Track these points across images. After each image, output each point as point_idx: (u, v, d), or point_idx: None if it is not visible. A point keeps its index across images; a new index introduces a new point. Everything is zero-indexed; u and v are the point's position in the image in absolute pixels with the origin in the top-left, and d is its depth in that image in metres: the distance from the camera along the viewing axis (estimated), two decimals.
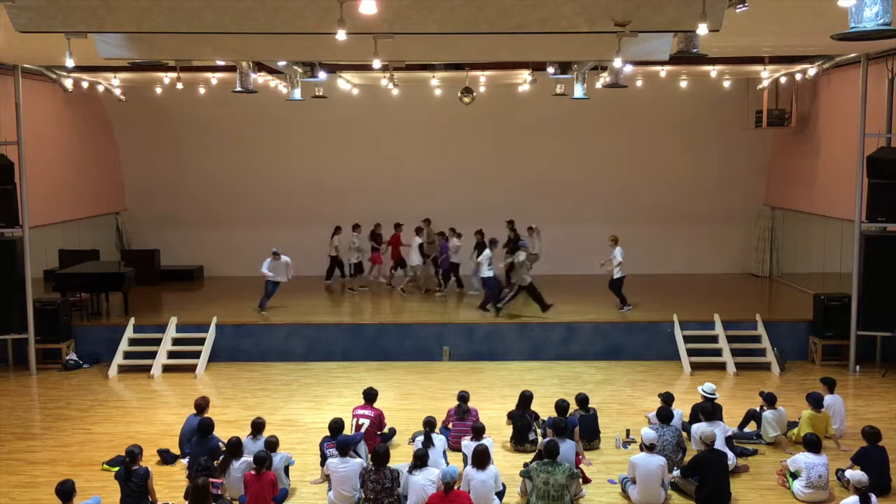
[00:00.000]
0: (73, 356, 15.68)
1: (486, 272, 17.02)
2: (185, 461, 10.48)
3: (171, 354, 15.65)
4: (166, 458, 10.79)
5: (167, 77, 16.92)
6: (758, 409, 11.55)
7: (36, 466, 10.74)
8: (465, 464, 9.40)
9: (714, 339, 15.73)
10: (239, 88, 14.53)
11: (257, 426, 10.24)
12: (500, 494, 9.23)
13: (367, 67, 15.11)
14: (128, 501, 8.86)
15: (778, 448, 11.12)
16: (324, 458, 9.88)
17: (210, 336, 15.84)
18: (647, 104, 20.19)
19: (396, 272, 20.07)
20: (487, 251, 17.32)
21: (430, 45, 11.97)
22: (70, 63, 10.55)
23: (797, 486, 9.57)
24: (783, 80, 18.01)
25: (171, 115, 21.08)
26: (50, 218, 17.89)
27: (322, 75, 15.82)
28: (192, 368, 15.24)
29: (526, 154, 21.38)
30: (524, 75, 17.34)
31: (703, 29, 8.06)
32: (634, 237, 21.16)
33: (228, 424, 11.85)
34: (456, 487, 8.55)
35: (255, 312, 17.05)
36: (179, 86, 16.86)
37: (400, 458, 10.30)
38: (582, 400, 11.20)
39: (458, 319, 16.50)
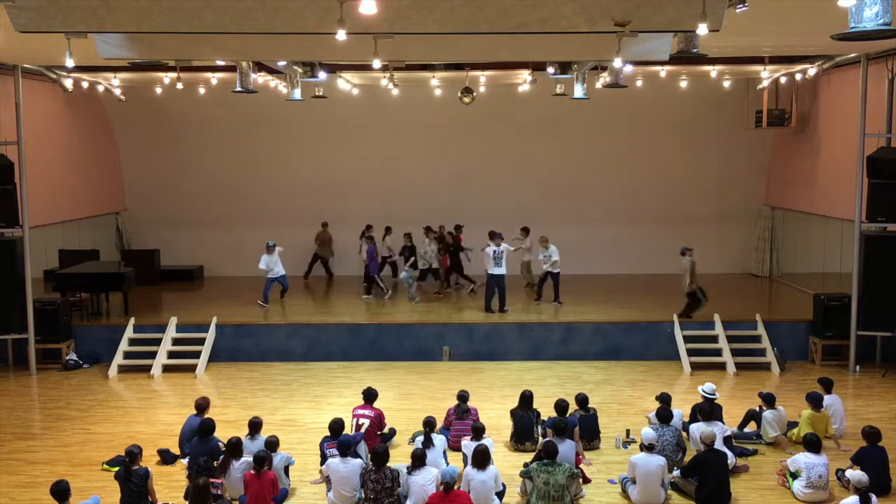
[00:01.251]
0: (73, 356, 15.68)
1: (494, 269, 16.77)
2: (185, 461, 10.48)
3: (171, 354, 15.65)
4: (166, 458, 10.78)
5: (167, 77, 16.92)
6: (757, 409, 11.55)
7: (36, 466, 10.74)
8: (465, 464, 9.40)
9: (714, 339, 15.73)
10: (239, 88, 14.53)
11: (254, 425, 10.23)
12: (500, 494, 9.23)
13: (367, 67, 15.10)
14: (128, 501, 8.85)
15: (778, 448, 11.12)
16: (324, 458, 9.89)
17: (210, 336, 15.84)
18: (647, 104, 20.18)
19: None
20: (498, 246, 17.15)
21: (430, 45, 11.97)
22: (70, 63, 10.55)
23: (797, 486, 9.57)
24: (783, 80, 18.01)
25: (171, 115, 21.08)
26: (50, 218, 17.90)
27: (322, 75, 15.82)
28: (192, 368, 15.24)
29: (526, 154, 21.38)
30: (524, 75, 17.33)
31: (703, 29, 8.06)
32: (635, 237, 21.22)
33: (228, 424, 11.85)
34: (456, 487, 8.55)
35: (254, 312, 17.08)
36: (179, 86, 16.87)
37: (400, 458, 10.30)
38: (582, 400, 11.20)
39: (458, 319, 16.49)
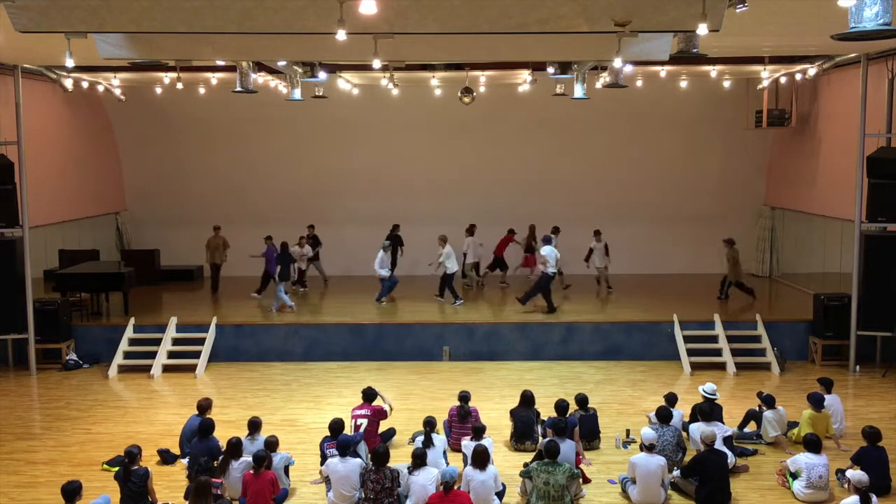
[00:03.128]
0: (73, 356, 15.68)
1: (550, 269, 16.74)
2: (185, 461, 10.48)
3: (171, 354, 15.65)
4: (166, 458, 10.78)
5: (167, 77, 16.92)
6: (757, 409, 11.55)
7: (36, 466, 10.74)
8: (465, 464, 9.40)
9: (714, 339, 15.73)
10: (239, 88, 14.53)
11: (253, 425, 10.23)
12: (500, 494, 9.23)
13: (367, 67, 15.10)
14: (127, 502, 8.86)
15: (778, 448, 11.12)
16: (324, 458, 9.89)
17: (210, 336, 15.84)
18: (647, 104, 20.18)
19: (492, 272, 20.14)
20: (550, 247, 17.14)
21: (430, 45, 11.97)
22: (70, 63, 10.54)
23: (797, 486, 9.57)
24: (783, 80, 18.01)
25: (171, 115, 21.08)
26: (50, 218, 17.90)
27: (322, 75, 15.82)
28: (192, 368, 15.24)
29: (526, 154, 21.38)
30: (524, 75, 17.34)
31: (703, 29, 8.06)
32: (635, 237, 21.21)
33: (228, 424, 11.85)
34: (456, 487, 8.55)
35: (255, 312, 17.10)
36: (179, 86, 16.86)
37: (400, 458, 10.30)
38: (581, 400, 11.20)
39: (458, 319, 16.49)
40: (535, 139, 21.24)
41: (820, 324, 15.48)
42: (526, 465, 9.63)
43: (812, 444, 9.62)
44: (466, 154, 21.42)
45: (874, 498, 8.42)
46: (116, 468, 9.47)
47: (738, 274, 17.93)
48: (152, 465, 10.28)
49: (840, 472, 9.83)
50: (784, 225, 20.49)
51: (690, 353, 15.36)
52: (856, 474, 8.57)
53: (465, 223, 19.78)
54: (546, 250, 16.85)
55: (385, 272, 17.89)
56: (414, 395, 13.70)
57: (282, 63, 14.42)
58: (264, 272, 18.78)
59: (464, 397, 11.20)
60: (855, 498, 8.38)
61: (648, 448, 9.46)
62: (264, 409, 12.75)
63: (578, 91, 15.47)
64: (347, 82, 18.65)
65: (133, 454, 8.95)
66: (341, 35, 8.20)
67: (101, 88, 18.74)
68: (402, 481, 9.07)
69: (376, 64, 11.31)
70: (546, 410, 11.31)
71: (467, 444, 9.77)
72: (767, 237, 20.83)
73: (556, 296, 18.23)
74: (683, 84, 18.27)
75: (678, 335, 15.67)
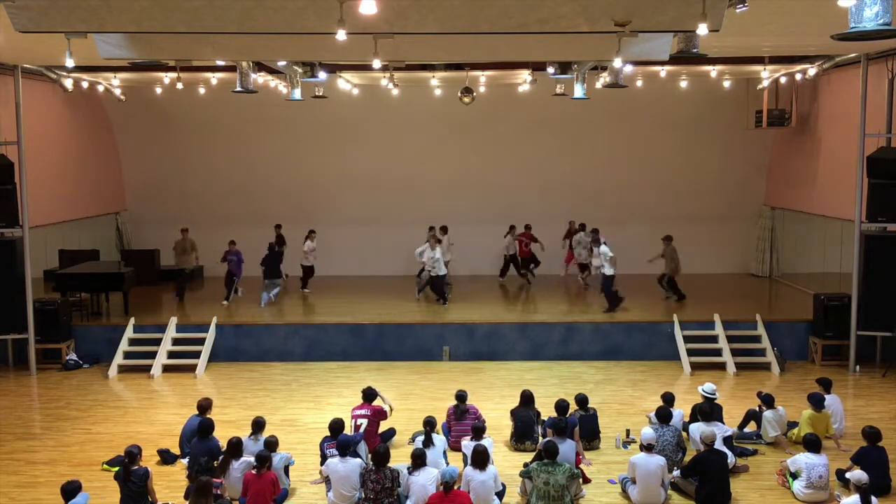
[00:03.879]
0: (73, 356, 15.68)
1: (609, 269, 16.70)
2: (185, 461, 10.48)
3: (171, 354, 15.65)
4: (166, 458, 10.79)
5: (167, 77, 16.92)
6: (757, 408, 11.55)
7: (36, 466, 10.75)
8: (465, 464, 9.40)
9: (714, 339, 15.73)
10: (239, 88, 14.53)
11: (257, 425, 10.24)
12: (500, 494, 9.23)
13: (367, 67, 15.11)
14: (127, 502, 8.86)
15: (778, 448, 11.12)
16: (324, 458, 9.89)
17: (210, 336, 15.84)
18: (648, 104, 20.18)
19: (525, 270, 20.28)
20: (606, 247, 17.08)
21: (430, 45, 11.97)
22: (70, 63, 10.54)
23: (797, 486, 9.57)
24: (783, 80, 18.01)
25: (171, 115, 21.08)
26: (50, 218, 17.90)
27: (322, 75, 15.82)
28: (192, 368, 15.24)
29: (525, 154, 21.38)
30: (524, 75, 17.34)
31: (703, 29, 8.06)
32: (634, 237, 21.17)
33: (228, 424, 11.85)
34: (456, 487, 8.56)
35: (255, 312, 17.10)
36: (179, 86, 16.86)
37: (400, 458, 10.30)
38: (581, 400, 11.20)
39: (458, 319, 16.48)
40: (535, 139, 21.23)
41: (820, 324, 15.48)
42: (526, 465, 9.64)
43: (812, 444, 9.62)
44: (466, 154, 21.42)
45: (874, 498, 8.42)
46: (116, 468, 9.47)
47: (675, 269, 17.84)
48: (152, 465, 10.28)
49: (840, 473, 9.80)
50: (784, 225, 20.49)
51: (690, 353, 15.36)
52: (856, 473, 8.57)
53: (466, 223, 19.82)
54: (605, 250, 16.83)
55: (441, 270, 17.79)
56: (414, 395, 13.70)
57: (282, 63, 14.41)
58: (227, 276, 18.31)
59: (460, 396, 11.20)
60: (855, 498, 8.38)
61: (648, 448, 9.46)
62: (264, 409, 12.74)
63: (578, 91, 15.46)
64: (347, 82, 18.65)
65: (133, 454, 8.96)
66: (341, 35, 8.20)
67: (101, 88, 18.74)
68: (402, 481, 9.08)
69: (376, 64, 11.31)
70: (546, 410, 11.31)
71: (467, 444, 9.77)
72: (767, 237, 20.83)
73: (570, 294, 18.24)
74: (683, 84, 18.27)
75: (678, 335, 15.68)
